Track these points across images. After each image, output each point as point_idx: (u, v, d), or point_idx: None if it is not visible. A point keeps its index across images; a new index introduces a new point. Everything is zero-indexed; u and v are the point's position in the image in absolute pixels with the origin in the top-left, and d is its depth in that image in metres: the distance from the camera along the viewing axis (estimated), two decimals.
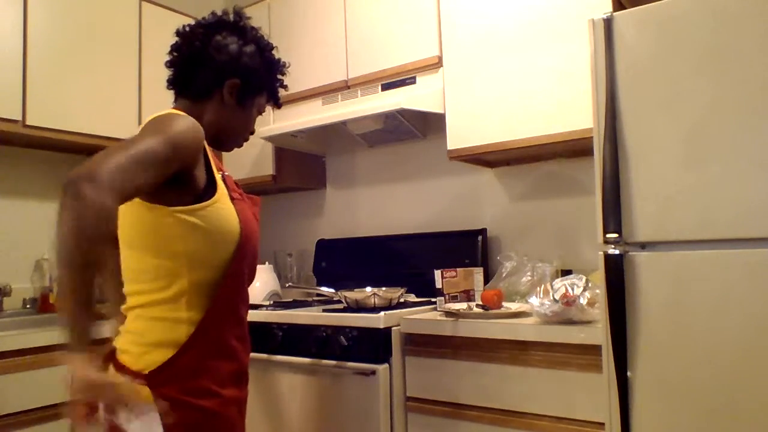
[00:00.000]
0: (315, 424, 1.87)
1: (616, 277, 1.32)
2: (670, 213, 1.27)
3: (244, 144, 1.39)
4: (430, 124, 2.51)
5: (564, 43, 1.86)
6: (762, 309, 1.17)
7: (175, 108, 1.28)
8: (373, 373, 1.74)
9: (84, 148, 2.54)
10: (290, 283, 2.66)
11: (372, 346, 1.78)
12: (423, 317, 1.81)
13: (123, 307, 1.20)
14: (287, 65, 1.42)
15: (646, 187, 1.30)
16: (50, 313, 2.41)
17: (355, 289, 2.04)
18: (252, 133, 1.38)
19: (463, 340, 1.68)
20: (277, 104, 1.44)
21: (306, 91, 2.52)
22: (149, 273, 1.14)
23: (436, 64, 2.16)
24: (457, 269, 1.99)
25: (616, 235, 1.32)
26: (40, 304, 2.44)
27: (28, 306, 2.43)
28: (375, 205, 2.73)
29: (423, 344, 1.77)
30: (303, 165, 2.79)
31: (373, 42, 2.33)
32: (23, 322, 2.25)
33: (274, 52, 1.37)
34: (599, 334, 1.38)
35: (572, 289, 1.55)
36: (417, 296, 2.24)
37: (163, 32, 2.70)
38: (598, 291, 1.44)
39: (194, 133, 1.11)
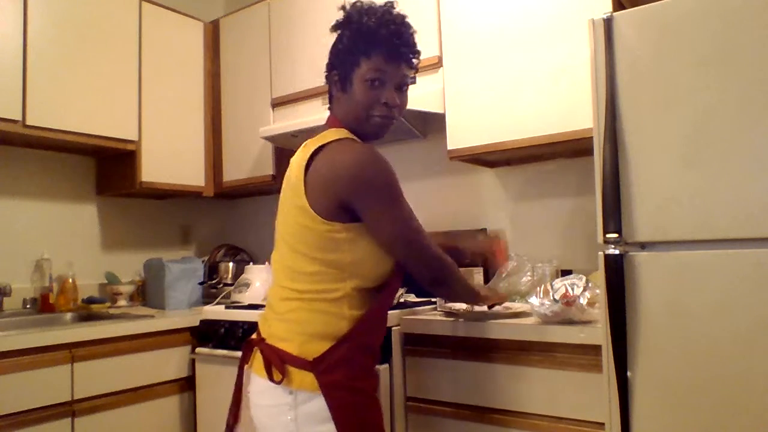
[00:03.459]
0: None
1: (616, 277, 1.32)
2: (670, 213, 1.27)
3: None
4: (430, 124, 2.51)
5: (564, 43, 1.86)
6: (762, 309, 1.17)
7: (330, 114, 1.39)
8: None
9: (84, 148, 2.55)
10: None
11: None
12: (423, 317, 1.80)
13: (281, 296, 1.30)
14: (365, 8, 1.32)
15: (646, 187, 1.30)
16: (50, 313, 2.41)
17: None
18: (384, 102, 1.30)
19: (462, 340, 1.68)
20: (372, 82, 1.30)
21: (306, 91, 2.52)
22: (315, 276, 1.25)
23: (436, 64, 2.16)
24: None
25: (616, 235, 1.32)
26: (40, 304, 2.44)
27: (28, 306, 2.43)
28: None
29: (423, 344, 1.77)
30: None
31: None
32: (23, 322, 2.26)
33: (366, 20, 1.30)
34: (599, 334, 1.38)
35: (572, 289, 1.55)
36: (417, 296, 2.24)
37: (163, 32, 2.72)
38: (598, 291, 1.44)
39: (391, 167, 1.28)
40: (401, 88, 1.34)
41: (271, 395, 1.24)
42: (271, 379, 1.23)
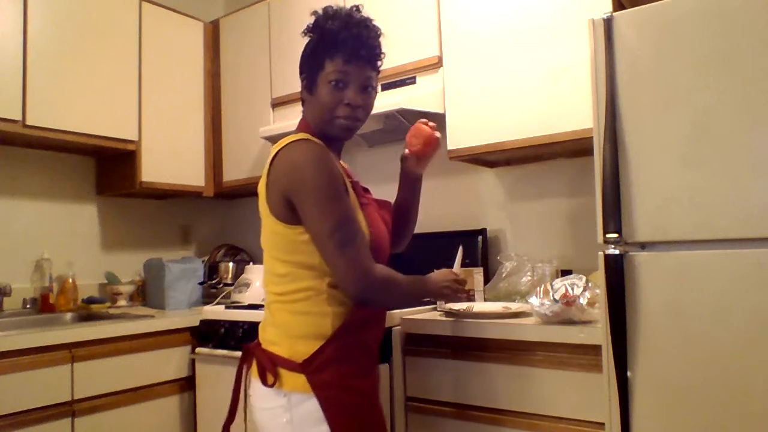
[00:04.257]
0: None
1: (616, 277, 1.32)
2: (670, 213, 1.27)
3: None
4: None
5: (564, 43, 1.86)
6: (762, 309, 1.17)
7: (302, 128, 1.37)
8: None
9: (84, 148, 2.55)
10: None
11: None
12: (423, 317, 1.80)
13: (268, 301, 1.33)
14: (330, 12, 1.33)
15: (646, 187, 1.30)
16: (50, 313, 2.41)
17: None
18: (346, 103, 1.31)
19: (463, 340, 1.68)
20: (336, 84, 1.31)
21: None
22: (288, 277, 1.27)
23: (436, 64, 2.16)
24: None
25: (616, 235, 1.32)
26: (40, 304, 2.44)
27: (28, 306, 2.43)
28: None
29: (423, 344, 1.77)
30: None
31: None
32: (23, 322, 2.25)
33: (329, 24, 1.31)
34: (599, 334, 1.38)
35: (572, 289, 1.55)
36: None
37: (163, 32, 2.72)
38: (598, 291, 1.44)
39: (331, 169, 1.23)
40: (366, 90, 1.34)
41: (268, 398, 1.25)
42: (264, 382, 1.25)
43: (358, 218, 1.27)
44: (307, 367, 1.21)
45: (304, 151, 1.25)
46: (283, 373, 1.23)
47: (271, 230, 1.29)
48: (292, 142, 1.28)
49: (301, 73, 1.38)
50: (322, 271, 1.25)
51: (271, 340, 1.29)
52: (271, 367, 1.24)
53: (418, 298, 1.53)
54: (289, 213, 1.24)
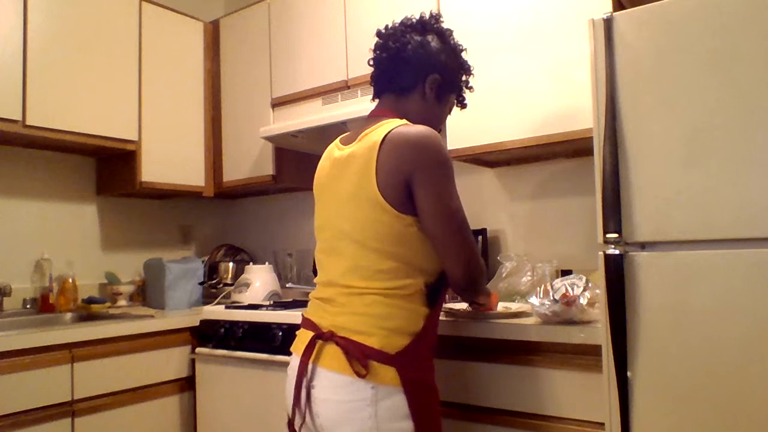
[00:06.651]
0: None
1: (616, 277, 1.32)
2: (670, 213, 1.27)
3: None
4: None
5: (564, 43, 1.86)
6: (762, 309, 1.17)
7: (382, 108, 1.41)
8: None
9: (84, 148, 2.55)
10: (290, 283, 2.66)
11: None
12: None
13: (347, 293, 1.28)
14: (473, 68, 1.53)
15: (646, 187, 1.30)
16: (50, 313, 2.41)
17: None
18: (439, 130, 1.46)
19: (463, 340, 1.68)
20: (463, 104, 1.54)
21: (306, 91, 2.52)
22: (390, 273, 1.26)
23: None
24: None
25: (616, 235, 1.32)
26: (40, 304, 2.44)
27: (28, 306, 2.43)
28: None
29: None
30: (303, 165, 2.79)
31: (373, 42, 2.32)
32: (23, 322, 2.26)
33: (463, 54, 1.49)
34: (599, 334, 1.38)
35: (572, 289, 1.55)
36: None
37: (163, 32, 2.72)
38: (598, 291, 1.44)
39: (451, 161, 1.31)
40: None
41: (349, 390, 1.20)
42: (355, 373, 1.19)
43: None
44: (398, 360, 1.21)
45: (432, 134, 1.29)
46: (375, 365, 1.19)
47: (375, 218, 1.25)
48: (405, 125, 1.30)
49: (432, 70, 1.40)
50: (421, 270, 1.28)
51: (355, 329, 1.23)
52: (362, 358, 1.19)
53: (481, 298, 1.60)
54: (404, 199, 1.24)
